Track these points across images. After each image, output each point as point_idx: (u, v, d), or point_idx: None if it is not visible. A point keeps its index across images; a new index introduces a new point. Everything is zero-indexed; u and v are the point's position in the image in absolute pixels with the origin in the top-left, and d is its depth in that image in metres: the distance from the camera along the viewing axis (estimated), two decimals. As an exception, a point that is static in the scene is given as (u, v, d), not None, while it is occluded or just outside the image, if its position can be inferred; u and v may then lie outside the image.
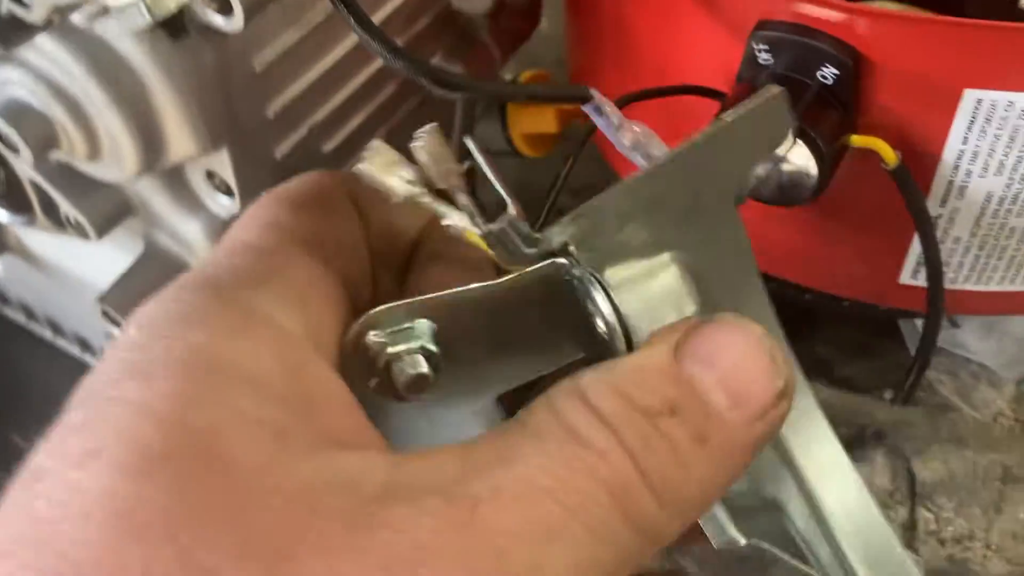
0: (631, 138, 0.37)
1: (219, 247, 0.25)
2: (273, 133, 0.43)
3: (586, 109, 0.36)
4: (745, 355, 0.23)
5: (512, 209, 0.27)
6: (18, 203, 0.47)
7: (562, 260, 0.27)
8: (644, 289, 0.29)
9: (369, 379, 0.26)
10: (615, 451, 0.21)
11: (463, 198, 0.26)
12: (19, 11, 0.28)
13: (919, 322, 0.60)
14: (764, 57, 0.39)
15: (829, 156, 0.38)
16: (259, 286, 0.23)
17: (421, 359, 0.26)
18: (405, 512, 0.19)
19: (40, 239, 0.54)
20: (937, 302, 0.43)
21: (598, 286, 0.27)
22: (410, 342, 0.26)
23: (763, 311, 0.30)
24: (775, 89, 0.29)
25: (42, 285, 0.58)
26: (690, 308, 0.29)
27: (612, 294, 0.27)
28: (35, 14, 0.27)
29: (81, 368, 0.64)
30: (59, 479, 0.19)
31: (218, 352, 0.21)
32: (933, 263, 0.42)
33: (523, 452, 0.21)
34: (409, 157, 0.26)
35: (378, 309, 0.26)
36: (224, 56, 0.39)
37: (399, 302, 0.26)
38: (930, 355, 0.46)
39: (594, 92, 0.36)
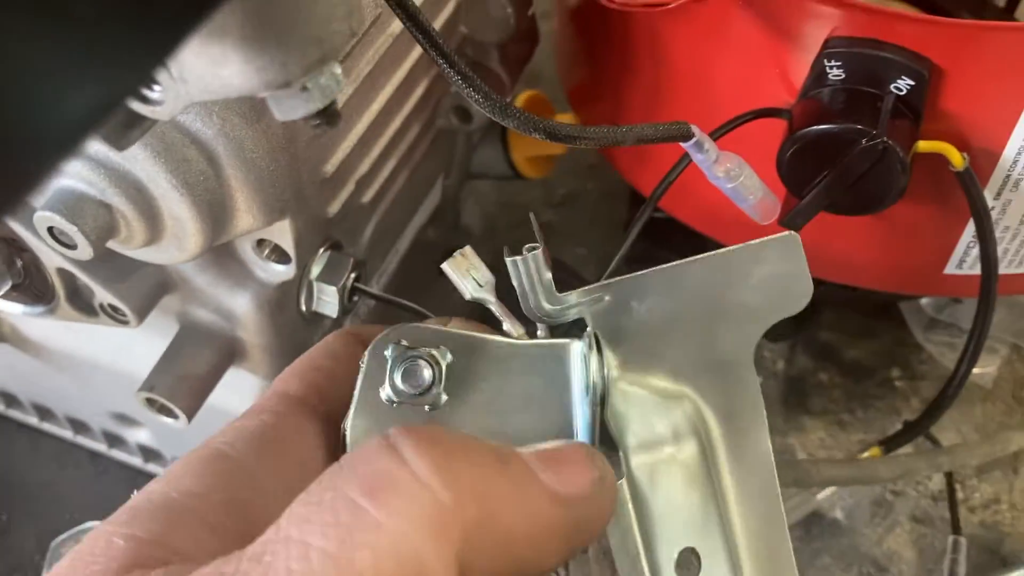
0: (725, 171, 0.37)
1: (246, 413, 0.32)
2: (327, 192, 0.41)
3: (686, 147, 0.36)
4: (568, 449, 0.27)
5: (541, 255, 0.30)
6: (35, 292, 0.43)
7: (578, 342, 0.31)
8: (647, 405, 0.32)
9: (379, 386, 0.30)
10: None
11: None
12: (144, 110, 0.25)
13: (924, 301, 0.62)
14: (835, 73, 0.39)
15: (909, 163, 0.38)
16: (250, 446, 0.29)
17: (427, 372, 0.30)
18: None
19: (42, 326, 0.50)
20: (991, 289, 0.44)
21: (599, 359, 0.30)
22: (425, 355, 0.30)
23: (766, 462, 0.32)
24: (787, 233, 0.31)
25: (34, 371, 0.53)
26: (691, 439, 0.32)
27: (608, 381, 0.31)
28: (164, 110, 0.24)
29: (69, 450, 0.60)
30: None
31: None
32: (989, 255, 0.43)
33: None
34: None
35: (406, 326, 0.30)
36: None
37: (427, 324, 0.30)
38: (983, 337, 0.47)
39: (695, 129, 0.35)
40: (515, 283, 0.31)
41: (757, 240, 0.31)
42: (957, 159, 0.40)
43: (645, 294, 0.31)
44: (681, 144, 0.35)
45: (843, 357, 0.65)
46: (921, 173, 0.40)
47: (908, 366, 0.64)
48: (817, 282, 0.57)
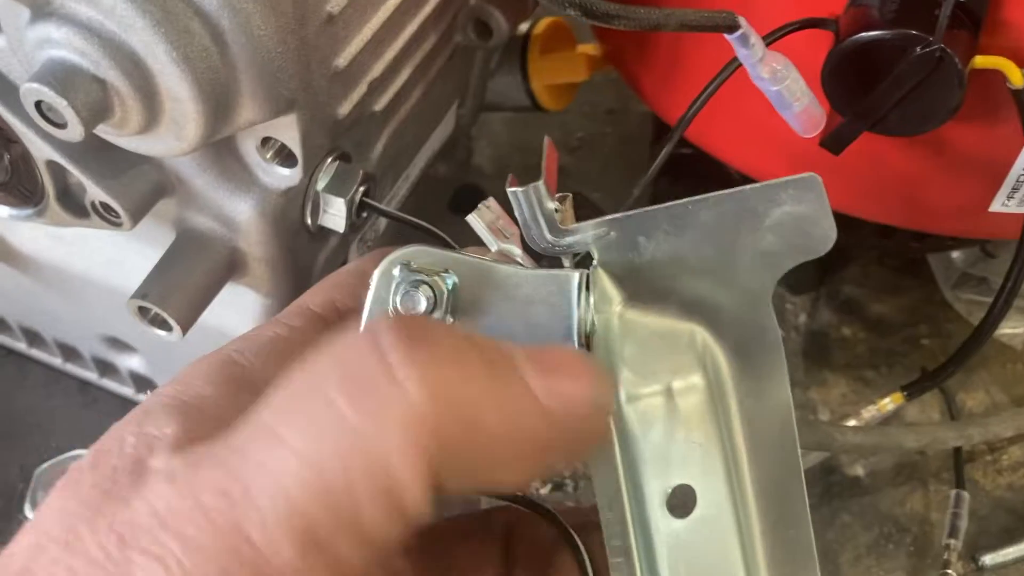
0: (770, 71, 0.34)
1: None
2: (338, 89, 0.38)
3: (731, 39, 0.33)
4: (570, 357, 0.26)
5: (543, 186, 0.29)
6: (23, 192, 0.41)
7: (581, 271, 0.29)
8: (649, 341, 0.30)
9: (385, 306, 0.29)
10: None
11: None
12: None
13: (955, 255, 0.59)
14: (890, -25, 0.36)
15: (966, 76, 0.36)
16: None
17: (423, 298, 0.29)
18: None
19: (31, 236, 0.47)
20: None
21: (587, 297, 0.29)
22: (426, 277, 0.29)
23: (783, 411, 0.30)
24: (808, 175, 0.29)
25: (23, 289, 0.51)
26: (697, 378, 0.30)
27: (596, 315, 0.30)
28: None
29: (58, 378, 0.57)
30: None
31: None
32: (1042, 185, 0.40)
33: None
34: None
35: (414, 248, 0.29)
36: None
37: (434, 247, 0.30)
38: (1020, 281, 0.44)
39: (741, 21, 0.33)
40: (516, 214, 0.30)
41: (774, 180, 0.29)
42: (1016, 76, 0.37)
43: (652, 231, 0.30)
44: (726, 36, 0.33)
45: (868, 312, 0.63)
46: (974, 92, 0.37)
47: (935, 323, 0.62)
48: (843, 234, 0.55)
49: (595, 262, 0.30)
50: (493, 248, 0.31)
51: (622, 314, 0.31)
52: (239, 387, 0.28)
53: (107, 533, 0.22)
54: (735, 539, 0.31)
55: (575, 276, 0.30)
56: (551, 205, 0.30)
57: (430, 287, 0.29)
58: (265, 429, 0.22)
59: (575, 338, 0.29)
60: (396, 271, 0.29)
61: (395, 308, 0.29)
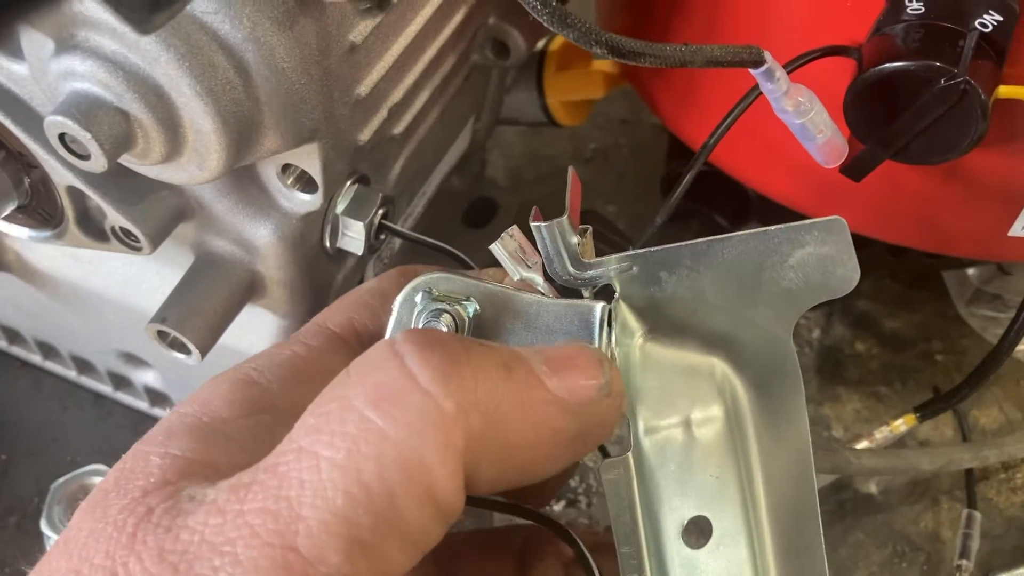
0: (794, 104, 0.34)
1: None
2: (359, 116, 0.38)
3: (756, 74, 0.33)
4: (577, 352, 0.27)
5: (566, 221, 0.29)
6: (43, 215, 0.41)
7: (604, 304, 0.30)
8: (669, 373, 0.31)
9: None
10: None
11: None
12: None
13: (971, 271, 0.59)
14: (914, 6, 0.36)
15: (990, 108, 0.36)
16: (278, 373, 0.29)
17: (444, 327, 0.29)
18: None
19: (48, 254, 0.47)
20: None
21: (608, 330, 0.29)
22: (447, 305, 0.29)
23: (801, 444, 0.31)
24: (833, 218, 0.29)
25: (39, 304, 0.51)
26: (716, 410, 0.31)
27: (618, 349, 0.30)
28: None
29: (72, 391, 0.57)
30: None
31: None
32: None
33: None
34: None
35: (437, 275, 0.30)
36: (324, 29, 0.33)
37: (456, 274, 0.30)
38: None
39: (767, 56, 0.32)
40: (539, 247, 0.30)
41: (800, 222, 0.29)
42: (1039, 106, 0.37)
43: (675, 267, 0.30)
44: (751, 71, 0.32)
45: (882, 328, 0.62)
46: (997, 120, 0.37)
47: (949, 339, 0.62)
48: (859, 249, 0.55)
49: (617, 295, 0.31)
50: (515, 277, 0.31)
51: (643, 346, 0.31)
52: (258, 408, 0.28)
53: (157, 562, 0.22)
54: (749, 567, 0.32)
55: (597, 308, 0.30)
56: (574, 240, 0.30)
57: (451, 315, 0.30)
58: (303, 451, 0.23)
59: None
60: (418, 298, 0.30)
61: None
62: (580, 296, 0.31)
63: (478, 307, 0.30)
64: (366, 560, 0.22)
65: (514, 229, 0.32)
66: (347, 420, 0.23)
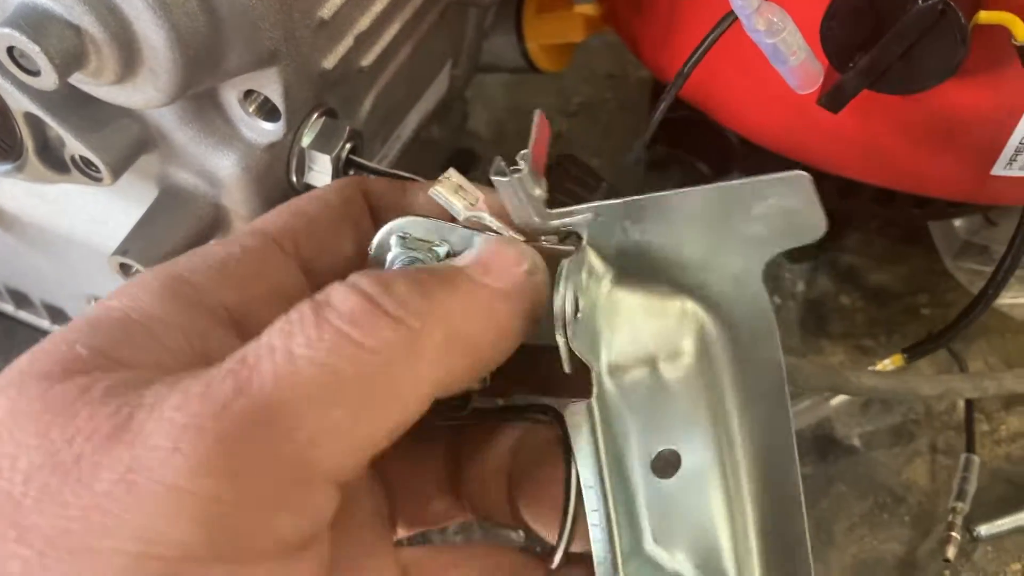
0: (766, 23, 0.33)
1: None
2: (322, 41, 0.37)
3: (726, -15, 0.32)
4: (491, 248, 0.29)
5: (527, 175, 0.29)
6: (2, 147, 0.40)
7: (565, 259, 0.29)
8: (637, 315, 0.31)
9: None
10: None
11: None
12: None
13: (957, 223, 0.59)
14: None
15: (969, 32, 0.35)
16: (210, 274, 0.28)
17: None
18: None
19: (13, 193, 0.46)
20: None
21: (570, 282, 0.29)
22: (420, 253, 0.30)
23: (774, 374, 0.31)
24: (794, 173, 0.28)
25: (8, 249, 0.50)
26: (686, 347, 0.31)
27: (582, 296, 0.30)
28: None
29: (47, 342, 0.57)
30: None
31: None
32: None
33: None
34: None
35: (409, 219, 0.31)
36: (282, -56, 0.32)
37: (428, 218, 0.31)
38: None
39: (736, -34, 0.31)
40: (503, 199, 0.30)
41: (762, 177, 0.28)
42: (1022, 32, 0.36)
43: (639, 218, 0.30)
44: (720, -15, 0.31)
45: (867, 281, 0.62)
46: (978, 49, 0.36)
47: (936, 293, 0.61)
48: (842, 201, 0.54)
49: (584, 242, 0.31)
50: (461, 217, 0.31)
51: (610, 293, 0.31)
52: (190, 308, 0.27)
53: (111, 441, 0.22)
54: (720, 495, 0.31)
55: (563, 263, 0.30)
56: (537, 192, 0.30)
57: (423, 263, 0.30)
58: (272, 346, 0.24)
59: (558, 317, 0.29)
60: (392, 241, 0.31)
61: None
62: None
63: (450, 248, 0.31)
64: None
65: (451, 170, 0.32)
66: (325, 330, 0.24)
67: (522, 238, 0.31)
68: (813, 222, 0.28)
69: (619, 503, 0.31)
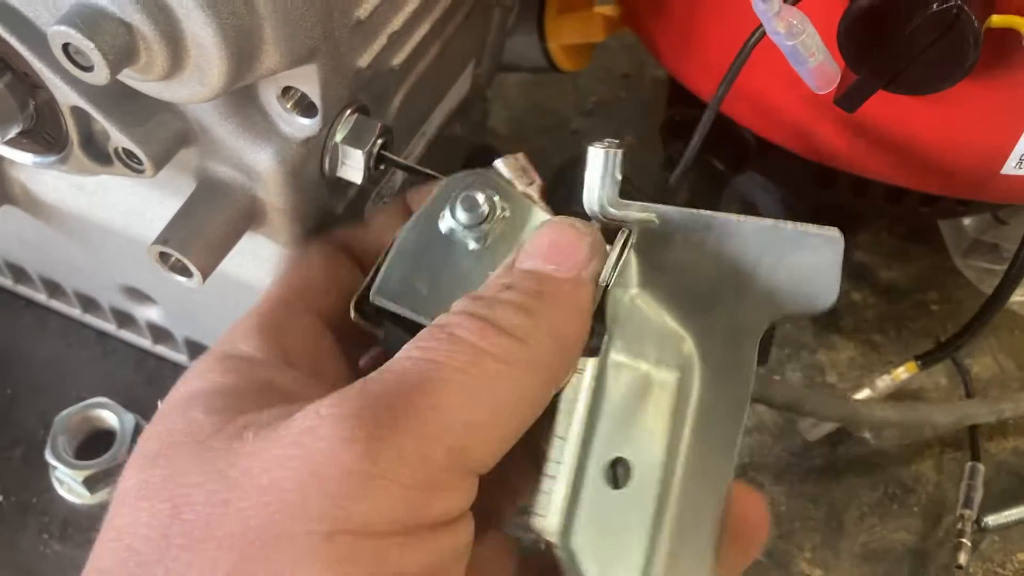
0: (786, 25, 0.34)
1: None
2: (358, 40, 0.39)
3: (749, -10, 0.33)
4: (556, 235, 0.32)
5: (622, 155, 0.32)
6: (47, 139, 0.41)
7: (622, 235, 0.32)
8: (646, 327, 0.33)
9: (440, 213, 0.36)
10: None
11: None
12: None
13: (967, 221, 0.60)
14: (907, -69, 0.36)
15: (982, 35, 0.36)
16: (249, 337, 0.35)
17: (484, 204, 0.35)
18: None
19: (53, 185, 0.48)
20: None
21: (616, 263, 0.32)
22: (488, 196, 0.35)
23: (729, 440, 0.33)
24: (835, 232, 0.32)
25: (44, 239, 0.51)
26: (671, 378, 0.33)
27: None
28: None
29: (77, 329, 0.58)
30: None
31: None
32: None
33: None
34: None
35: (486, 172, 0.36)
36: (324, -53, 0.34)
37: (495, 176, 0.36)
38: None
39: (759, -30, 0.33)
40: (588, 173, 0.32)
41: (806, 225, 0.31)
42: (1032, 35, 0.37)
43: (690, 232, 0.32)
44: (743, -10, 0.33)
45: (878, 278, 0.63)
46: (990, 51, 0.38)
47: (945, 290, 0.62)
48: (852, 199, 0.55)
49: (633, 240, 0.33)
50: (518, 192, 0.35)
51: (634, 297, 0.33)
52: (250, 371, 0.33)
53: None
54: (648, 523, 0.32)
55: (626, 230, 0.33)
56: (619, 176, 0.32)
57: (489, 201, 0.34)
58: (413, 359, 0.29)
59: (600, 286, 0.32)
60: (460, 186, 0.35)
61: (455, 215, 0.35)
62: None
63: (507, 212, 0.34)
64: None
65: (520, 153, 0.35)
66: (456, 345, 0.28)
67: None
68: (829, 285, 0.31)
69: (574, 479, 0.31)
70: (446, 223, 0.35)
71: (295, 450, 0.25)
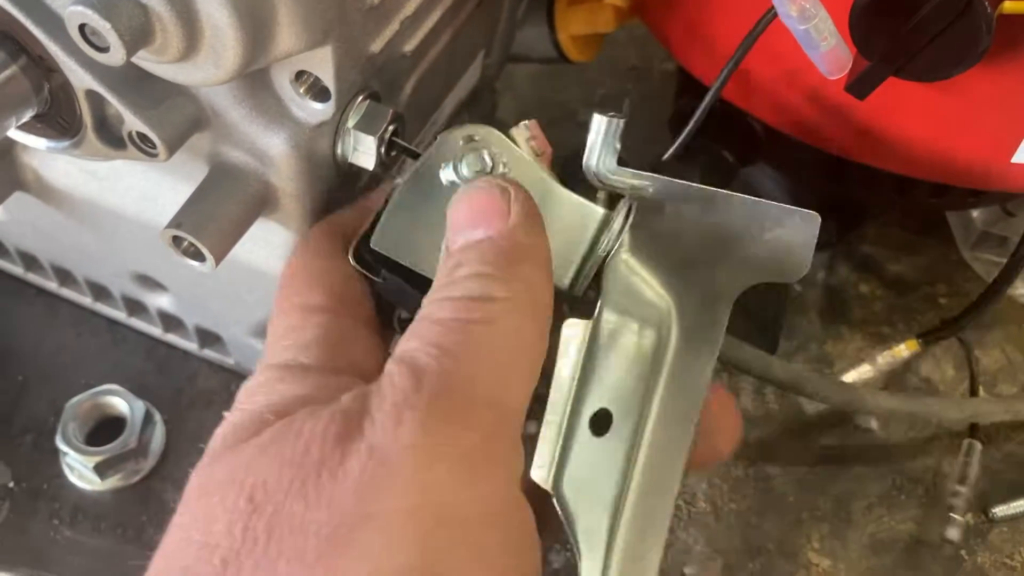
0: (799, 9, 0.35)
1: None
2: (371, 24, 0.39)
3: (761, -27, 0.34)
4: (467, 203, 0.34)
5: (623, 123, 0.35)
6: (61, 124, 0.42)
7: (601, 211, 0.35)
8: (634, 289, 0.35)
9: (441, 164, 0.38)
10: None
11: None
12: None
13: (975, 214, 0.60)
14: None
15: (994, 21, 0.36)
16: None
17: (488, 157, 0.36)
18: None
19: (65, 171, 0.48)
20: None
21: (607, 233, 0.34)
22: (489, 151, 0.36)
23: (692, 401, 0.34)
24: (815, 215, 0.34)
25: (56, 226, 0.52)
26: (650, 336, 0.34)
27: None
28: None
29: (88, 317, 0.58)
30: None
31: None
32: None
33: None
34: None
35: (484, 126, 0.37)
36: (338, -70, 0.34)
37: (496, 132, 0.37)
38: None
39: (772, -46, 0.33)
40: (589, 138, 0.34)
41: (789, 207, 0.34)
42: (1043, 21, 0.37)
43: (680, 201, 0.34)
44: (756, -28, 0.33)
45: (885, 271, 0.63)
46: (1001, 38, 0.38)
47: (953, 283, 0.62)
48: (861, 189, 0.55)
49: (631, 206, 0.35)
50: (528, 156, 0.36)
51: (624, 261, 0.35)
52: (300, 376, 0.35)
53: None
54: (622, 465, 0.34)
55: (599, 213, 0.35)
56: (618, 146, 0.35)
57: (489, 156, 0.36)
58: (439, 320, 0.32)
59: (601, 249, 0.35)
60: (460, 141, 0.36)
61: (458, 169, 0.36)
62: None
63: (508, 168, 0.35)
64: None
65: (533, 121, 0.36)
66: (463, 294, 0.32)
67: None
68: (802, 260, 0.34)
69: (566, 428, 0.33)
70: (447, 174, 0.36)
71: (365, 443, 0.28)
